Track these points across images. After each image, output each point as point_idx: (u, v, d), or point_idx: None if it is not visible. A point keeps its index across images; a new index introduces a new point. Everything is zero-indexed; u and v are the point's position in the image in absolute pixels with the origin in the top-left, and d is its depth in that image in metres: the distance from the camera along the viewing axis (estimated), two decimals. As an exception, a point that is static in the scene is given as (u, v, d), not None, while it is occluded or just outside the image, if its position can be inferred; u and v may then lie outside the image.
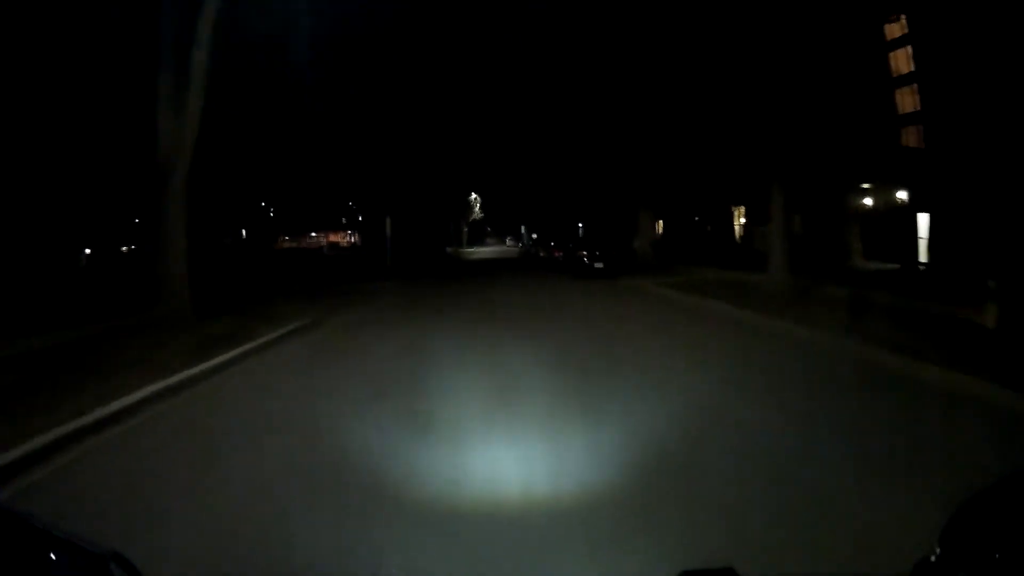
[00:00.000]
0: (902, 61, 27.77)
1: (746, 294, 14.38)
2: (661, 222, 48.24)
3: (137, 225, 50.73)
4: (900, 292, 14.40)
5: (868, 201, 28.24)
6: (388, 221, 32.77)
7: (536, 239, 79.68)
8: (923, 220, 25.21)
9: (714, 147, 30.81)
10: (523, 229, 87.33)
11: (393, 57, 43.59)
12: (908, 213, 25.69)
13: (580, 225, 63.78)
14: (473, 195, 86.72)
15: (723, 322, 11.96)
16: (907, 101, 27.34)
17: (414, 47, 43.01)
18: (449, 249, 73.46)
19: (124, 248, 51.36)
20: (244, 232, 72.38)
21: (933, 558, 0.98)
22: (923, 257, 24.73)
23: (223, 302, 15.50)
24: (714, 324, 11.81)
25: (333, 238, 77.37)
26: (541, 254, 44.72)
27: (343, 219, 77.82)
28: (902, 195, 26.02)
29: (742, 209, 38.35)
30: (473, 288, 22.95)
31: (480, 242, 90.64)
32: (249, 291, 19.77)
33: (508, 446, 5.20)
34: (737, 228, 38.84)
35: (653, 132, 28.74)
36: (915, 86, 26.74)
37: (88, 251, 48.25)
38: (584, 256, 26.32)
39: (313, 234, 76.01)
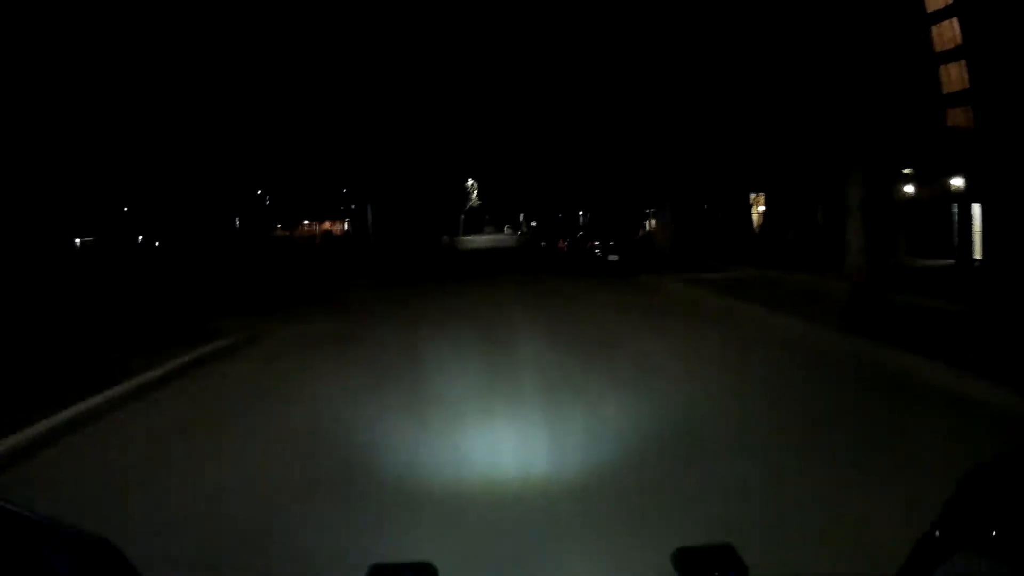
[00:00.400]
0: (947, 34, 25.24)
1: (830, 307, 11.04)
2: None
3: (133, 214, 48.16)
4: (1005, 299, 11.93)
5: (908, 189, 25.72)
6: (368, 209, 30.55)
7: (536, 227, 77.30)
8: (976, 210, 22.74)
9: (737, 127, 28.19)
10: (522, 217, 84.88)
11: (390, 37, 41.37)
12: (959, 202, 23.20)
13: (581, 214, 61.47)
14: (470, 181, 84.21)
15: (856, 373, 7.79)
16: (954, 77, 24.83)
17: (413, 26, 40.85)
18: (445, 238, 70.96)
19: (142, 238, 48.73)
20: (238, 221, 69.91)
21: (937, 533, 0.90)
22: (978, 252, 22.27)
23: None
24: (841, 371, 7.80)
25: (327, 227, 75.05)
26: (542, 244, 42.17)
27: (340, 207, 75.91)
28: (956, 182, 23.48)
29: (761, 197, 35.79)
30: (463, 290, 18.84)
31: (478, 230, 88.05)
32: (169, 295, 17.05)
33: None
34: (755, 217, 36.27)
35: (672, 110, 26.17)
36: (963, 61, 24.20)
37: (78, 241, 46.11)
38: (596, 247, 23.70)
39: (306, 223, 73.46)
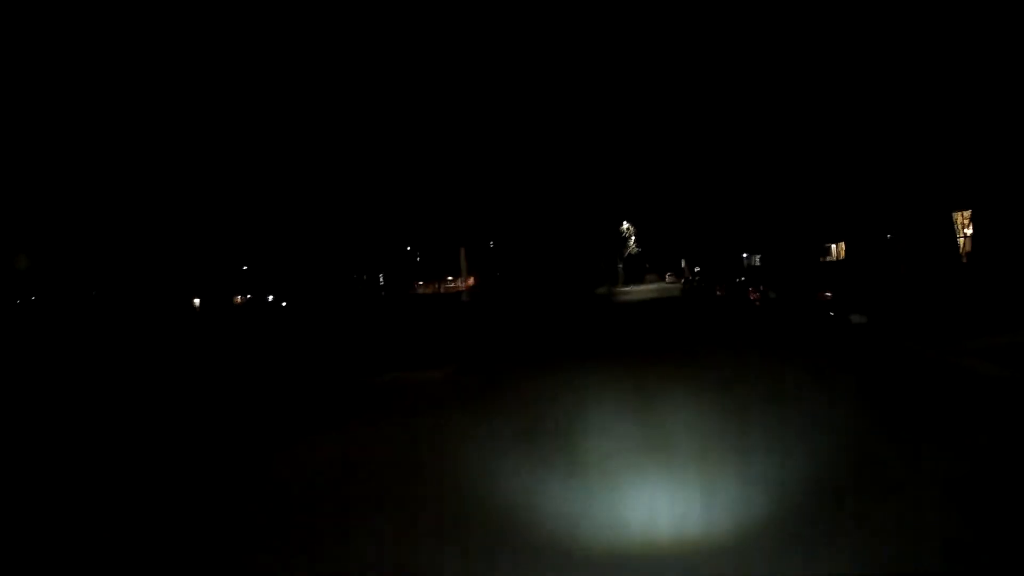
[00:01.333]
0: None
1: None
2: (843, 244, 37.83)
3: (248, 272, 48.17)
4: None
5: None
6: (463, 252, 25.76)
7: (701, 273, 70.58)
8: None
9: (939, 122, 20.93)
10: (683, 263, 78.09)
11: (542, 84, 40.17)
12: None
13: (744, 256, 54.96)
14: (626, 224, 79.04)
15: None
16: None
17: (562, 71, 39.33)
18: (601, 289, 65.66)
19: (238, 297, 48.84)
20: (382, 277, 69.57)
21: None
22: None
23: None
24: None
25: (473, 281, 72.72)
26: (718, 292, 34.06)
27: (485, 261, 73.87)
28: None
29: (965, 216, 27.58)
30: (609, 407, 8.62)
31: (638, 279, 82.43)
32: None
33: None
34: (962, 242, 27.99)
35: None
36: None
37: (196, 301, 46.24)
38: (831, 302, 15.53)
39: (450, 278, 71.75)
